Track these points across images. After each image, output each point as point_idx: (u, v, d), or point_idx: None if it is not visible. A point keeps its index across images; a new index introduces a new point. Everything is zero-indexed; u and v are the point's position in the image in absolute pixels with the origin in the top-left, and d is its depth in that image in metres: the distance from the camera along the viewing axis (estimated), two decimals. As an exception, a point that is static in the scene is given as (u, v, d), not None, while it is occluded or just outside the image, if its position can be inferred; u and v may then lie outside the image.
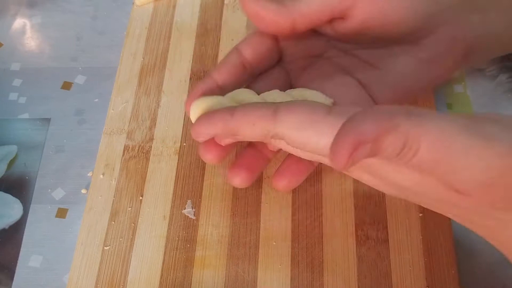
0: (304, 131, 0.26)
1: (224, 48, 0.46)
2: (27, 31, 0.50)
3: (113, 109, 0.44)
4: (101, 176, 0.41)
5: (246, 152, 0.34)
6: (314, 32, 0.34)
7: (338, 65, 0.34)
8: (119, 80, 0.45)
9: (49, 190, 0.41)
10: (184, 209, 0.39)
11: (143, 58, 0.46)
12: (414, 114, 0.22)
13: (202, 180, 0.40)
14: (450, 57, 0.32)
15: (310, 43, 0.35)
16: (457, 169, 0.22)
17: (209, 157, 0.32)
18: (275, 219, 0.38)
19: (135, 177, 0.40)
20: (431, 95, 0.41)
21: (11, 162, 0.42)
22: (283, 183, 0.34)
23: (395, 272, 0.35)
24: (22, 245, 0.39)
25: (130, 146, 0.42)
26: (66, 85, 0.46)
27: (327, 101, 0.31)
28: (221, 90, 0.33)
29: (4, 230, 0.39)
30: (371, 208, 0.38)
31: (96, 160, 0.41)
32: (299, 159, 0.33)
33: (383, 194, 0.38)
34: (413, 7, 0.30)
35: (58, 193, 0.41)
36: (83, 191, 0.41)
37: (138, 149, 0.41)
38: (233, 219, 0.38)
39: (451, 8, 0.31)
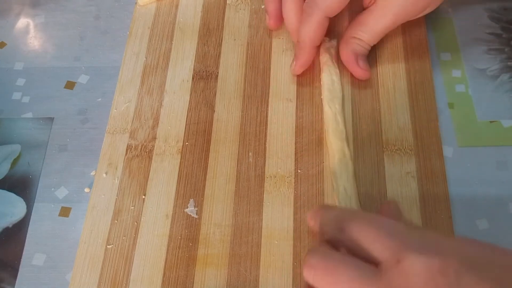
0: None
1: (227, 48, 0.46)
2: (30, 31, 0.50)
3: (116, 109, 0.44)
4: (104, 175, 0.41)
5: None
6: None
7: None
8: (122, 80, 0.45)
9: (52, 189, 0.41)
10: (187, 208, 0.39)
11: (146, 57, 0.46)
12: None
13: (205, 179, 0.40)
14: None
15: None
16: None
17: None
18: (277, 218, 0.38)
19: (138, 176, 0.40)
20: (433, 96, 0.42)
21: (15, 161, 0.43)
22: None
23: (396, 271, 0.35)
24: (26, 244, 0.39)
25: (133, 145, 0.42)
26: (69, 85, 0.46)
27: None
28: None
29: (7, 228, 0.40)
30: (373, 207, 0.38)
31: (99, 159, 0.41)
32: None
33: (384, 194, 0.38)
34: None
35: (61, 192, 0.41)
36: (86, 190, 0.41)
37: (141, 148, 0.42)
38: (235, 218, 0.38)
39: None
